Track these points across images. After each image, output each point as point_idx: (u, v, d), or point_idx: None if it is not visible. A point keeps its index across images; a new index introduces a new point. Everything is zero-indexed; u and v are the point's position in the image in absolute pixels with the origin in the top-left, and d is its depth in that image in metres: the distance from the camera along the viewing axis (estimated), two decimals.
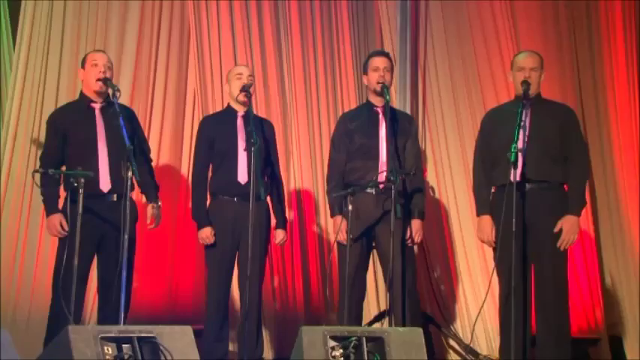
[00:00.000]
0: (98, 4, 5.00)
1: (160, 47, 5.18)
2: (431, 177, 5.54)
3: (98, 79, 4.01)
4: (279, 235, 4.36)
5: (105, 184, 3.99)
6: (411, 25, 5.48)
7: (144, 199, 4.35)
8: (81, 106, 4.07)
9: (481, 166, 4.21)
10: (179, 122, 5.28)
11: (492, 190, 4.18)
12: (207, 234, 4.22)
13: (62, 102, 4.58)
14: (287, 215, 4.49)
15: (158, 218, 4.19)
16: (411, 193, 4.27)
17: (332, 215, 4.34)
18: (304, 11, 5.50)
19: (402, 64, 5.42)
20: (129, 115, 4.18)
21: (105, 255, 4.02)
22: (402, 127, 4.32)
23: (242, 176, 4.21)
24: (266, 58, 5.44)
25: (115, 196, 4.01)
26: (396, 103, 5.29)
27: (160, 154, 5.11)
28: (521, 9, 5.51)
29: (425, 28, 5.55)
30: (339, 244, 4.22)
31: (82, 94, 4.12)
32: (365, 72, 4.39)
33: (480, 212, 4.17)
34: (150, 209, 4.18)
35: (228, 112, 4.36)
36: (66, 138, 4.01)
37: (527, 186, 3.99)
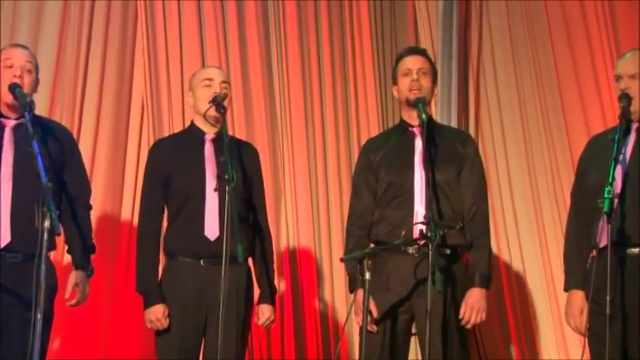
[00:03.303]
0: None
1: (91, 51, 5.33)
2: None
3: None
4: (264, 313, 4.30)
5: (2, 236, 3.92)
6: (459, 26, 5.76)
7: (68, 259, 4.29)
8: None
9: (575, 221, 4.19)
10: (119, 149, 5.31)
11: (593, 255, 4.11)
12: (157, 314, 4.14)
13: None
14: (276, 284, 4.41)
15: (84, 293, 4.14)
16: (470, 248, 4.21)
17: (351, 290, 4.27)
18: (305, 10, 5.75)
19: (446, 69, 5.64)
20: (60, 137, 4.13)
21: (5, 342, 3.91)
22: (451, 151, 4.28)
23: (211, 229, 4.14)
24: (248, 63, 5.58)
25: (19, 256, 3.93)
26: (437, 120, 5.37)
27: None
28: (622, 9, 5.72)
29: (480, 29, 5.82)
30: (362, 330, 4.02)
31: None
32: (394, 80, 4.38)
33: (568, 286, 4.14)
34: (73, 277, 4.12)
35: (192, 135, 4.31)
36: None
37: (628, 250, 3.94)
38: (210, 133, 4.26)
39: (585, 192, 4.12)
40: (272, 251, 4.43)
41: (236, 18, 5.66)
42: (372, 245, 4.22)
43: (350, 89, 5.84)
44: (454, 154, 4.26)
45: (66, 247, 4.18)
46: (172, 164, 4.24)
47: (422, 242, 4.00)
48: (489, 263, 4.24)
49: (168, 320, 4.14)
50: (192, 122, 4.36)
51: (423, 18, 6.00)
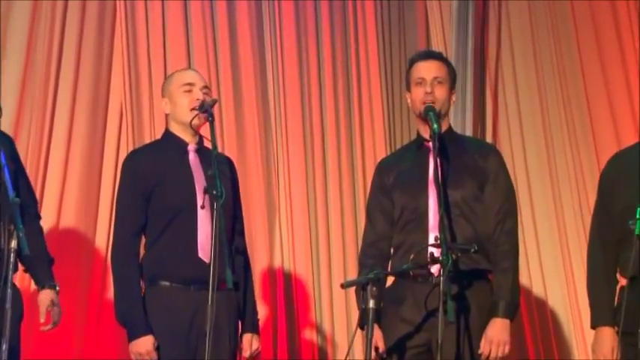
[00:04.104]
0: None
1: (64, 51, 5.33)
2: None
3: None
4: (252, 344, 4.26)
5: None
6: (475, 27, 5.78)
7: (32, 284, 4.28)
8: None
9: (600, 246, 4.17)
10: (94, 159, 5.29)
11: (621, 285, 4.10)
12: (148, 347, 4.07)
13: None
14: (256, 311, 4.37)
15: (58, 313, 4.10)
16: (494, 272, 4.17)
17: (361, 326, 4.07)
18: (304, 11, 5.77)
19: (460, 74, 5.54)
20: (2, 141, 4.09)
21: None
22: (470, 165, 4.25)
23: (205, 250, 4.09)
24: (239, 66, 5.59)
25: None
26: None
27: (60, 211, 5.12)
28: None
29: (498, 30, 5.83)
30: None
31: None
32: (407, 88, 4.33)
33: (595, 322, 4.11)
34: (44, 299, 4.08)
35: (172, 145, 4.27)
36: None
37: None
38: (192, 143, 4.24)
39: (612, 213, 4.10)
40: (252, 276, 4.40)
41: (226, 18, 5.67)
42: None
43: (353, 96, 5.81)
44: (474, 168, 4.22)
45: (23, 266, 4.11)
46: (156, 177, 4.18)
47: (433, 267, 3.97)
48: (515, 290, 4.18)
49: (156, 354, 4.09)
50: (168, 131, 4.31)
51: (435, 17, 5.99)
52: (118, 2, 5.49)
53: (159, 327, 4.11)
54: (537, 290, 5.76)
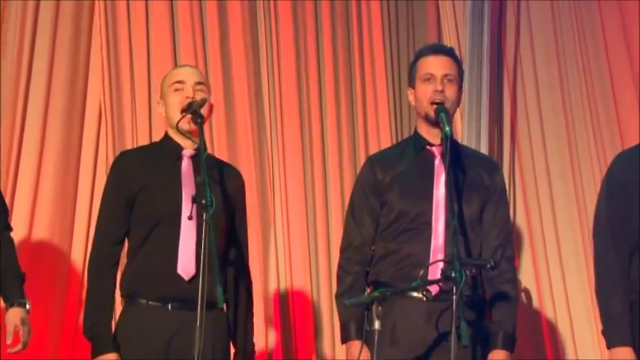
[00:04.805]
0: None
1: (36, 55, 5.35)
2: (525, 267, 5.71)
3: None
4: None
5: None
6: (491, 22, 5.88)
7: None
8: None
9: (614, 256, 4.15)
10: (70, 166, 5.32)
11: (634, 299, 4.12)
12: None
13: None
14: (252, 341, 4.38)
15: (28, 333, 4.09)
16: (493, 300, 4.20)
17: (343, 340, 4.26)
18: (302, 10, 5.89)
19: (475, 72, 5.69)
20: None
21: None
22: (475, 180, 4.27)
23: (186, 265, 4.12)
24: (231, 65, 5.63)
25: None
26: (461, 136, 5.50)
27: (33, 221, 5.16)
28: None
29: (517, 25, 5.95)
30: None
31: None
32: (411, 83, 4.32)
33: (611, 342, 4.10)
34: (12, 318, 4.09)
35: (167, 149, 4.29)
36: None
37: None
38: (188, 148, 4.24)
39: (629, 219, 4.11)
40: (252, 299, 4.41)
41: (217, 19, 5.70)
42: (367, 288, 4.23)
43: (357, 96, 5.85)
44: (479, 184, 4.24)
45: None
46: (140, 182, 4.20)
47: (443, 285, 3.94)
48: (516, 322, 4.23)
49: None
50: (166, 134, 4.33)
51: (448, 15, 6.07)
52: (96, 2, 5.53)
53: (131, 348, 4.12)
54: (558, 296, 5.80)
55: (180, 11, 5.66)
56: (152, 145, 4.52)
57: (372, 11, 6.04)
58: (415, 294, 4.06)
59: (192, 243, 4.10)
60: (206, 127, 4.26)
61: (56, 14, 5.46)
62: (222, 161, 4.52)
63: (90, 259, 4.26)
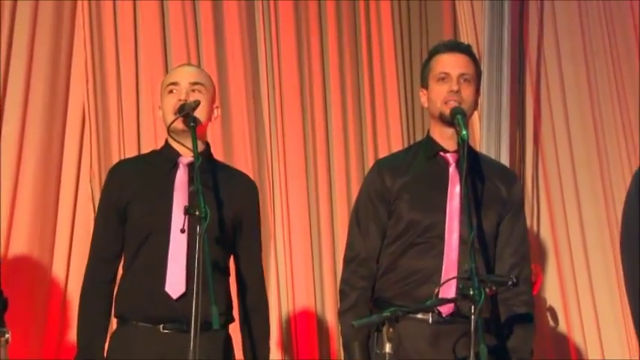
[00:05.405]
0: None
1: (13, 56, 5.41)
2: (550, 283, 5.76)
3: None
4: None
5: None
6: (511, 20, 5.98)
7: None
8: None
9: None
10: (50, 178, 5.32)
11: None
12: None
13: None
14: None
15: None
16: (509, 323, 4.21)
17: None
18: (305, 9, 5.98)
19: (495, 70, 5.77)
20: None
21: None
22: (492, 192, 4.28)
23: (174, 283, 4.14)
24: (227, 67, 5.71)
25: None
26: (479, 140, 5.64)
27: (10, 236, 5.17)
28: None
29: (540, 22, 6.07)
30: None
31: None
32: (424, 83, 4.29)
33: None
34: None
35: (164, 157, 4.32)
36: None
37: None
38: (186, 155, 4.23)
39: None
40: (268, 318, 4.41)
41: (212, 19, 5.75)
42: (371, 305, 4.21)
43: (365, 99, 5.88)
44: (496, 197, 4.25)
45: None
46: (130, 193, 4.24)
47: (457, 304, 3.99)
48: (532, 347, 4.26)
49: None
50: (165, 141, 4.35)
51: (465, 13, 6.13)
52: (79, 2, 5.55)
53: None
54: (587, 315, 5.93)
55: (172, 10, 5.70)
56: (151, 153, 4.51)
57: (382, 11, 6.08)
58: (420, 315, 4.09)
59: (183, 258, 4.12)
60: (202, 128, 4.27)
61: (35, 9, 5.48)
62: (231, 168, 4.56)
63: (83, 277, 4.30)
